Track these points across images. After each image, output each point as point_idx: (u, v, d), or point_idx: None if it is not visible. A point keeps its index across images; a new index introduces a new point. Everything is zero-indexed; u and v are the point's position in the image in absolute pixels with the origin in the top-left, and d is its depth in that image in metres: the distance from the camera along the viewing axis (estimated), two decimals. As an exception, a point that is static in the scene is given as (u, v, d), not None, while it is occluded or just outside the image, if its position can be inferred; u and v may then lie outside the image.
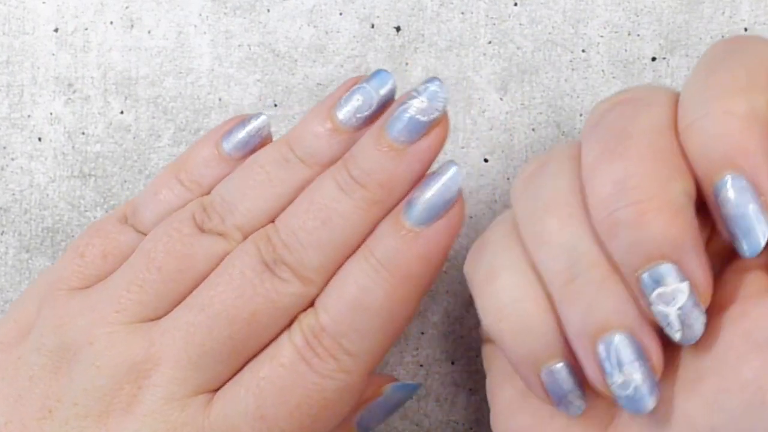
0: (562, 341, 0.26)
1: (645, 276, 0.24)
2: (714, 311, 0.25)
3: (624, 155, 0.24)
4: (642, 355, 0.25)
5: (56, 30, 0.34)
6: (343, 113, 0.28)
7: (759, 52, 0.25)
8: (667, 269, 0.24)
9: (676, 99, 0.26)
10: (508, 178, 0.34)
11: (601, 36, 0.34)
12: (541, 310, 0.26)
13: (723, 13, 0.34)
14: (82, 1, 0.34)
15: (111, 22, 0.34)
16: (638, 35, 0.34)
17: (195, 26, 0.34)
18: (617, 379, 0.25)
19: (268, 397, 0.27)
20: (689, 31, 0.34)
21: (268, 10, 0.34)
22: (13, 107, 0.34)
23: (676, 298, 0.24)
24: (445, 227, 0.27)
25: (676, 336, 0.24)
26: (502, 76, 0.34)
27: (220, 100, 0.34)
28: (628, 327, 0.25)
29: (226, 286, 0.27)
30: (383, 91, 0.28)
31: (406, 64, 0.34)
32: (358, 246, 0.27)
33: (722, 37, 0.34)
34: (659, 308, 0.24)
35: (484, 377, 0.30)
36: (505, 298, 0.26)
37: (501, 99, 0.34)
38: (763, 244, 0.24)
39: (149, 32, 0.34)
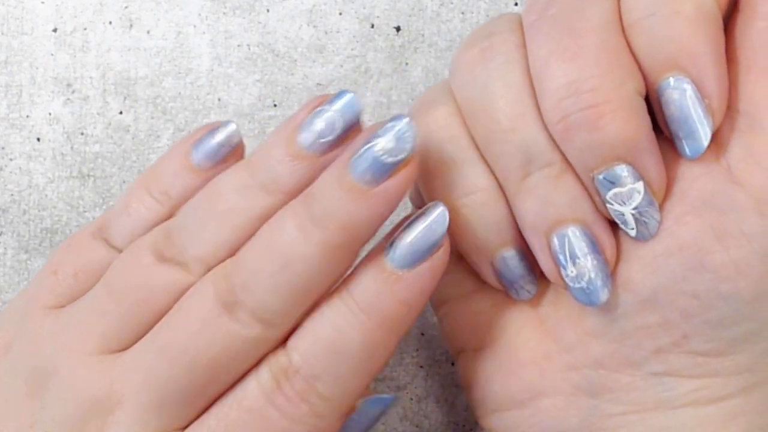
0: (513, 229, 0.26)
1: (601, 177, 0.24)
2: None
3: (577, 55, 0.24)
4: (595, 248, 0.25)
5: (55, 30, 0.34)
6: (305, 138, 0.26)
7: None
8: (622, 170, 0.24)
9: None
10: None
11: (602, 36, 0.34)
12: (493, 200, 0.26)
13: None
14: (81, 1, 0.34)
15: (110, 22, 0.34)
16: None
17: (194, 26, 0.34)
18: (571, 271, 0.25)
19: None
20: None
21: (268, 10, 0.34)
22: (11, 107, 0.34)
23: (632, 197, 0.25)
24: (429, 271, 0.25)
25: (632, 233, 0.25)
26: (502, 76, 0.34)
27: (219, 100, 0.34)
28: (582, 221, 0.25)
29: (185, 330, 0.26)
30: (348, 116, 0.26)
31: (406, 64, 0.34)
32: (326, 287, 0.26)
33: None
34: (615, 207, 0.25)
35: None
36: (457, 191, 0.26)
37: (501, 99, 0.34)
38: (705, 146, 0.24)
39: (148, 32, 0.34)
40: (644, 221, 0.25)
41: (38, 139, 0.34)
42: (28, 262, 0.34)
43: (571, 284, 0.26)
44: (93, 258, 0.28)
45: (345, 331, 0.25)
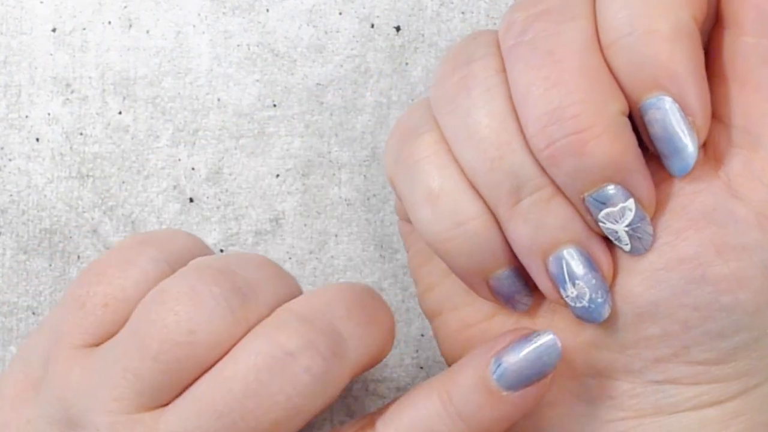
0: (507, 250, 0.26)
1: (591, 198, 0.25)
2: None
3: (557, 82, 0.24)
4: (593, 266, 0.25)
5: (54, 30, 0.34)
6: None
7: None
8: (612, 190, 0.24)
9: (593, 5, 0.25)
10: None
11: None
12: (485, 228, 0.26)
13: None
14: (80, 0, 0.34)
15: (109, 22, 0.34)
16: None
17: (194, 26, 0.34)
18: (571, 292, 0.25)
19: None
20: None
21: (267, 10, 0.34)
22: (10, 107, 0.34)
23: (624, 215, 0.25)
24: (534, 397, 0.26)
25: (626, 249, 0.25)
26: (502, 77, 0.34)
27: (218, 100, 0.34)
28: (577, 240, 0.25)
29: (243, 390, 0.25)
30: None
31: (406, 64, 0.34)
32: None
33: None
34: (608, 226, 0.25)
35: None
36: (449, 222, 0.26)
37: (501, 99, 0.34)
38: (692, 164, 0.25)
39: (147, 32, 0.34)
40: (638, 237, 0.25)
41: (37, 140, 0.34)
42: (27, 262, 0.34)
43: (572, 304, 0.26)
44: (125, 284, 0.27)
45: None
